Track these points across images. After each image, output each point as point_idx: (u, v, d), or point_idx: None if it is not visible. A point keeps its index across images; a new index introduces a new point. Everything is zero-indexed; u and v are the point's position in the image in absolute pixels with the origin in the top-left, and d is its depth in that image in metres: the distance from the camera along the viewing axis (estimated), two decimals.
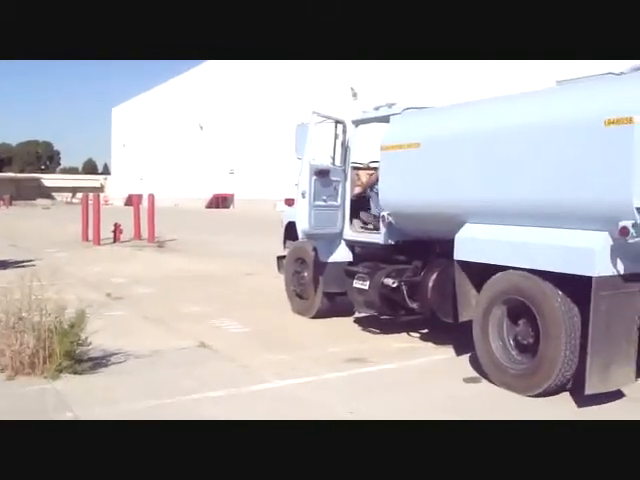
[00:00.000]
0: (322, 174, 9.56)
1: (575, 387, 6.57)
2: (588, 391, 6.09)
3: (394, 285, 8.87)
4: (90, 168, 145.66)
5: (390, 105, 9.58)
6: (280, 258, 11.60)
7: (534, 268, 6.63)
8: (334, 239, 9.95)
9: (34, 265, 14.79)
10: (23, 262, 16.53)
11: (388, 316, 9.63)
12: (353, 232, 9.91)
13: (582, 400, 6.31)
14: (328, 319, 10.43)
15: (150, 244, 23.06)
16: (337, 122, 9.87)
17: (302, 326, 10.21)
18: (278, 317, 10.74)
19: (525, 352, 6.94)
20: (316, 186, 9.48)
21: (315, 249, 10.23)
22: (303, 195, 9.45)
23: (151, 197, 25.10)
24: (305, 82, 50.69)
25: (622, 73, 7.07)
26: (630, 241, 5.90)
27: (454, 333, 8.63)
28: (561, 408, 6.40)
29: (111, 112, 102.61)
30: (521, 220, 6.92)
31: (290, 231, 11.22)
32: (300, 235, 9.82)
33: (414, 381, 7.43)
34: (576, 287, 6.30)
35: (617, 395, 6.46)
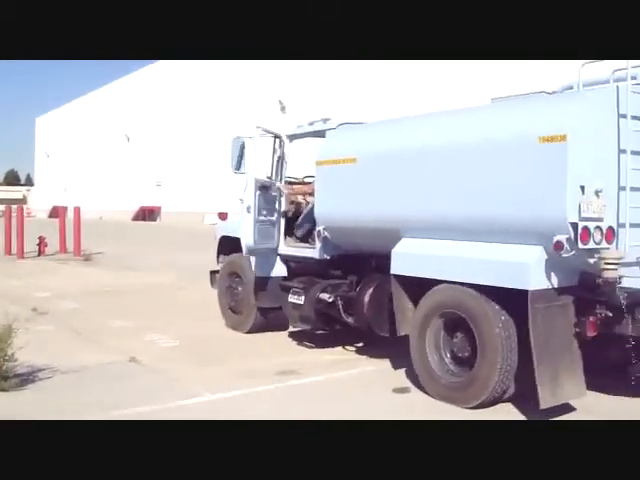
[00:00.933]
0: (265, 189, 9.52)
1: (527, 401, 6.57)
2: (543, 406, 6.16)
3: (330, 300, 8.85)
4: (12, 179, 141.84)
5: (325, 120, 9.61)
6: (213, 273, 11.46)
7: (471, 282, 6.71)
8: (270, 254, 9.92)
9: None
10: None
11: (324, 331, 9.59)
12: (287, 247, 9.87)
13: (534, 413, 6.37)
14: (262, 333, 10.35)
15: (76, 257, 22.53)
16: (276, 136, 9.86)
17: (234, 340, 10.11)
18: (209, 331, 10.61)
19: (462, 364, 7.01)
20: (260, 201, 9.44)
21: (250, 263, 10.15)
22: (248, 210, 9.41)
23: (77, 209, 24.54)
24: (233, 94, 50.51)
25: (554, 92, 7.29)
26: (564, 255, 6.02)
27: (389, 346, 8.68)
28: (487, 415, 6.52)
29: (35, 122, 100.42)
30: (458, 235, 6.99)
31: (224, 245, 11.10)
32: (244, 251, 9.72)
33: (343, 392, 7.46)
34: (513, 301, 6.39)
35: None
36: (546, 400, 6.17)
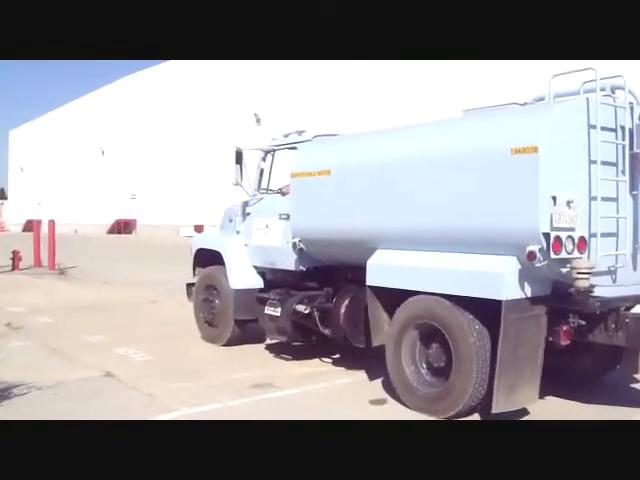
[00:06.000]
0: None
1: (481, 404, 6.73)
2: (494, 410, 6.28)
3: (306, 311, 8.87)
4: None
5: (300, 132, 9.66)
6: (190, 285, 11.44)
7: (445, 293, 6.75)
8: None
9: None
10: None
11: (300, 343, 9.61)
12: None
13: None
14: (239, 346, 10.34)
15: (51, 272, 22.37)
16: (264, 151, 10.12)
17: (210, 353, 10.09)
18: (185, 344, 10.58)
19: (438, 375, 7.05)
20: None
21: (226, 276, 10.14)
22: None
23: (52, 223, 24.39)
24: (209, 107, 50.46)
25: (526, 103, 7.38)
26: (537, 265, 6.08)
27: (366, 358, 8.70)
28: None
29: (8, 135, 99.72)
30: (432, 246, 7.05)
31: (200, 258, 11.08)
32: None
33: (320, 405, 7.45)
34: (486, 311, 6.44)
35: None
36: (499, 406, 6.29)
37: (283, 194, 9.46)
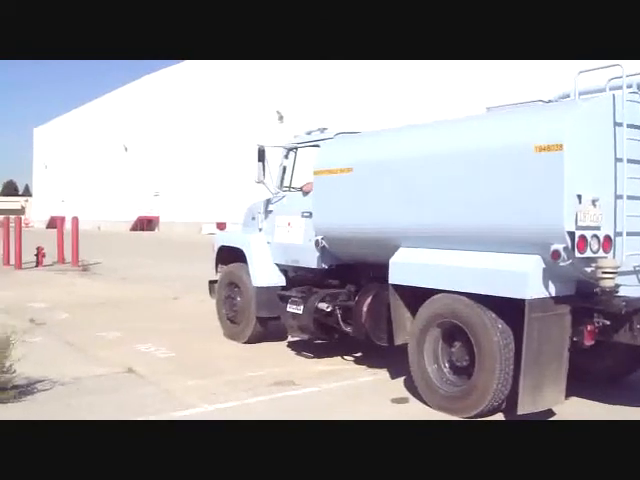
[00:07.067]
0: None
1: (507, 406, 6.68)
2: (520, 411, 6.20)
3: (328, 309, 8.85)
4: (10, 190, 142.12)
5: (322, 130, 9.65)
6: (212, 282, 11.47)
7: (468, 291, 6.70)
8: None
9: None
10: None
11: (322, 340, 9.60)
12: None
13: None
14: (260, 343, 10.35)
15: (74, 268, 22.55)
16: (287, 149, 10.14)
17: (232, 350, 10.10)
18: (206, 341, 10.61)
19: (460, 374, 7.00)
20: None
21: (248, 273, 10.15)
22: None
23: (75, 220, 24.61)
24: (232, 105, 50.60)
25: (550, 101, 7.30)
26: (561, 264, 6.01)
27: (388, 356, 8.68)
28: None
29: (32, 132, 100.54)
30: (455, 244, 6.99)
31: (222, 255, 11.11)
32: None
33: (340, 403, 7.42)
34: (510, 310, 6.38)
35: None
36: (525, 407, 6.21)
37: (304, 193, 9.45)
